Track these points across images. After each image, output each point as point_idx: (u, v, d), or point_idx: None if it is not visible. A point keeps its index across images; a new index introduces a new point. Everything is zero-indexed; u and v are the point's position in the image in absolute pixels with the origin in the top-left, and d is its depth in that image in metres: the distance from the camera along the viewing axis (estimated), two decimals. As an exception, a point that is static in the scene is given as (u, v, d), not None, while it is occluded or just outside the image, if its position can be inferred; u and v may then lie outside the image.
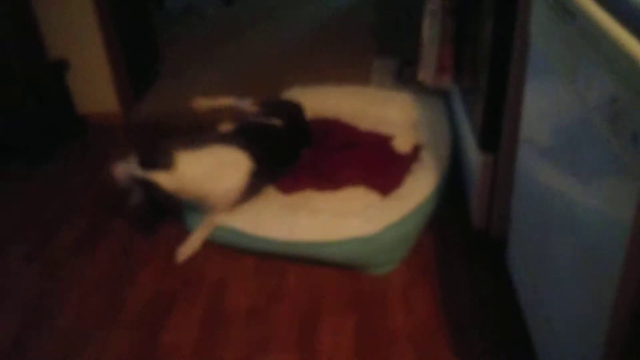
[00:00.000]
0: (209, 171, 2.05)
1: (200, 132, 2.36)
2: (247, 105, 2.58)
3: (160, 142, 2.04)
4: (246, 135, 2.27)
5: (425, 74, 2.50)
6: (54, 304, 1.98)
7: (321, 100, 2.79)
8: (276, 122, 2.42)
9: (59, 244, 2.26)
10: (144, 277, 2.08)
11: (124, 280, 2.08)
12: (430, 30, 2.41)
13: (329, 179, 2.27)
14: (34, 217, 2.43)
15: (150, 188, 1.94)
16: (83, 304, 1.99)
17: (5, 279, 2.12)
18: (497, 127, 1.86)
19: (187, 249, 2.14)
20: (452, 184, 2.32)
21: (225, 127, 2.51)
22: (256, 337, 1.82)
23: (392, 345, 1.75)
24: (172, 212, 2.21)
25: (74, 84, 3.03)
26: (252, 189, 2.17)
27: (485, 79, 1.85)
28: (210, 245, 2.18)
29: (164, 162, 1.96)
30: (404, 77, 3.06)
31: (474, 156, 2.02)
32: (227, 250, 2.15)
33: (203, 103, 2.66)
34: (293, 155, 2.43)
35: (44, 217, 2.42)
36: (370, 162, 2.35)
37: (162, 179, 1.94)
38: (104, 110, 3.15)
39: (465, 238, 2.14)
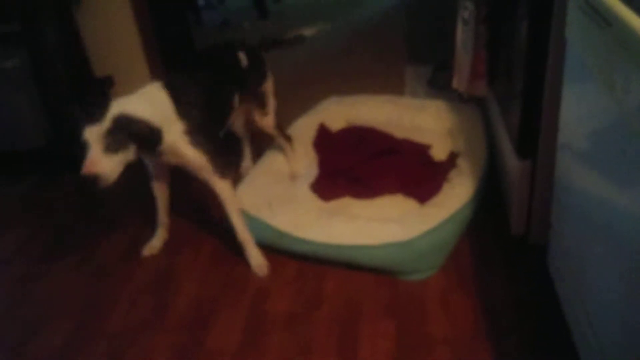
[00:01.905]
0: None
1: None
2: None
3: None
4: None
5: (460, 81, 2.52)
6: (103, 308, 2.05)
7: (357, 110, 2.84)
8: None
9: (108, 250, 2.35)
10: (188, 282, 2.15)
11: (169, 285, 2.14)
12: (463, 37, 2.42)
13: (366, 186, 2.30)
14: (85, 224, 2.53)
15: (133, 129, 1.78)
16: (130, 308, 2.06)
17: (57, 283, 2.22)
18: (534, 133, 1.85)
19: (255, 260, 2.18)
20: (490, 191, 2.32)
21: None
22: (297, 342, 1.85)
23: (432, 351, 1.76)
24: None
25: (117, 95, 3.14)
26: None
27: (521, 85, 1.85)
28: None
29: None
30: (438, 84, 3.08)
31: (512, 163, 2.02)
32: (269, 255, 2.20)
33: None
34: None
35: (94, 223, 2.52)
36: (408, 169, 2.37)
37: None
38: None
39: (503, 244, 2.14)
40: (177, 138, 1.94)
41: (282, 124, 2.57)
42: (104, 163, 1.72)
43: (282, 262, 2.18)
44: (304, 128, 2.75)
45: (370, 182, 2.32)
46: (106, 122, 1.73)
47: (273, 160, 2.56)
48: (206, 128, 2.04)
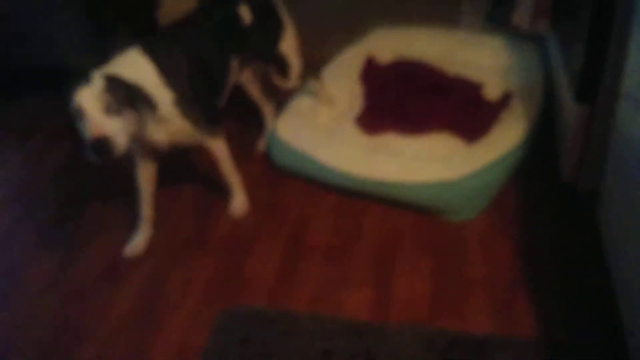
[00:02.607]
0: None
1: None
2: None
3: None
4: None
5: (521, 17, 2.39)
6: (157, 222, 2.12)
7: (407, 42, 2.73)
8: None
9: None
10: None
11: (212, 207, 2.19)
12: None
13: (413, 122, 2.25)
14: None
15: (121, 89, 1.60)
16: (175, 227, 2.12)
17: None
18: (596, 77, 1.76)
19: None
20: (542, 135, 2.24)
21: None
22: (334, 274, 1.88)
23: (467, 292, 1.77)
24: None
25: (163, 18, 3.10)
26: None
27: (587, 26, 1.74)
28: (294, 180, 2.24)
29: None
30: (497, 19, 2.92)
31: (569, 107, 1.94)
32: (310, 187, 2.21)
33: None
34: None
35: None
36: (457, 107, 2.30)
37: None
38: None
39: (552, 191, 2.08)
40: (167, 110, 1.77)
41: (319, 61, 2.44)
42: (110, 124, 1.55)
43: (322, 195, 2.19)
44: (350, 59, 2.67)
45: (417, 118, 2.26)
46: (99, 81, 1.55)
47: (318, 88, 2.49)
48: (198, 97, 1.86)
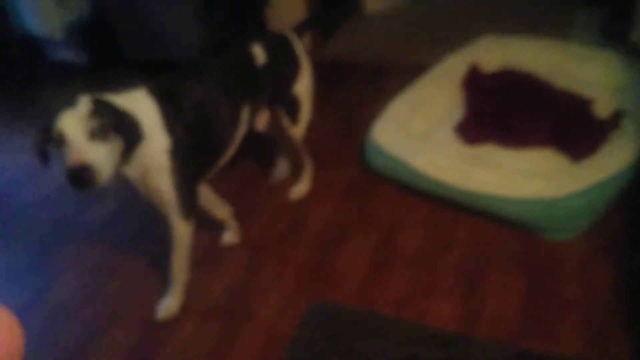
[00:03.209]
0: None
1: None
2: None
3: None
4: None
5: (641, 33, 2.26)
6: (246, 217, 2.21)
7: (514, 52, 2.66)
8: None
9: (251, 166, 2.50)
10: (322, 208, 2.24)
11: (306, 205, 2.25)
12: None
13: (515, 134, 2.19)
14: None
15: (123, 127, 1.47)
16: (270, 222, 2.20)
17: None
18: None
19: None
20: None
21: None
22: (422, 281, 1.88)
23: (562, 313, 1.71)
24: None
25: (271, 19, 3.22)
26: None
27: None
28: (387, 185, 2.26)
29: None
30: (612, 33, 2.78)
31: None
32: (403, 193, 2.22)
33: None
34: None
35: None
36: (564, 122, 2.21)
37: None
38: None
39: (660, 217, 1.97)
40: (156, 153, 1.57)
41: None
42: (94, 151, 1.38)
43: (415, 201, 2.19)
44: (454, 66, 2.64)
45: (520, 131, 2.20)
46: (85, 105, 1.41)
47: (416, 91, 2.48)
48: (193, 153, 1.64)
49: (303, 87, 1.98)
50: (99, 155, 1.39)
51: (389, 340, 1.69)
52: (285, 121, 2.01)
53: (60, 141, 1.39)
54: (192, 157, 1.63)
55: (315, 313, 1.79)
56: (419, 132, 2.33)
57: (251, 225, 2.17)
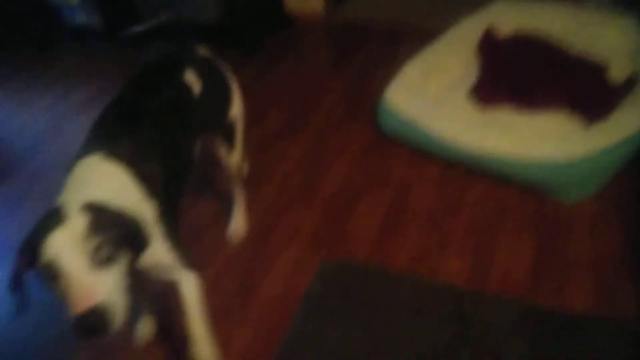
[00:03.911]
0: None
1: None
2: None
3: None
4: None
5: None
6: (261, 176, 2.25)
7: (529, 16, 2.64)
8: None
9: (267, 127, 2.53)
10: (336, 167, 2.27)
11: (318, 167, 2.28)
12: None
13: (529, 97, 2.20)
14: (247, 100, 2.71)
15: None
16: (283, 182, 2.24)
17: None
18: None
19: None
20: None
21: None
22: (433, 241, 1.92)
23: (571, 272, 1.75)
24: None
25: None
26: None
27: None
28: (400, 147, 2.29)
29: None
30: (630, -3, 2.75)
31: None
32: (415, 156, 2.25)
33: None
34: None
35: (254, 103, 2.68)
36: (578, 86, 2.22)
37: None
38: (308, 9, 3.31)
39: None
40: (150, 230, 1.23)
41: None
42: (102, 284, 1.04)
43: (427, 164, 2.21)
44: (468, 30, 2.63)
45: (534, 94, 2.21)
46: (79, 218, 1.05)
47: (431, 55, 2.48)
48: (170, 205, 1.38)
49: (237, 110, 1.76)
50: (110, 288, 1.05)
51: (401, 294, 1.74)
52: (224, 150, 1.78)
53: (51, 272, 1.03)
54: (170, 209, 1.37)
55: (328, 269, 1.84)
56: (433, 96, 2.34)
57: (264, 186, 2.21)
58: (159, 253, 1.30)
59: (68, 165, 1.28)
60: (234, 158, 1.83)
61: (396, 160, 2.26)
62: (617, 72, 2.28)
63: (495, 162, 2.02)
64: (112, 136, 1.33)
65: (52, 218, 1.06)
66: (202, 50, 1.70)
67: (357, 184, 2.18)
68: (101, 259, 1.05)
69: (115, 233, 1.08)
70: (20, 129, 2.77)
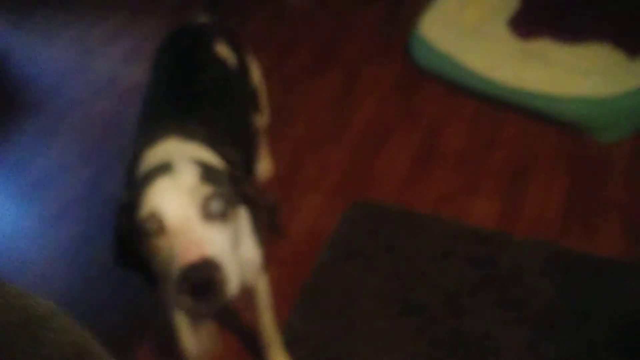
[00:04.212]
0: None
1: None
2: None
3: None
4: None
5: None
6: (288, 116, 2.22)
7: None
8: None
9: (293, 64, 2.47)
10: (365, 105, 2.21)
11: (349, 103, 2.23)
12: None
13: (572, 28, 2.07)
14: (274, 35, 2.64)
15: None
16: (311, 120, 2.20)
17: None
18: None
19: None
20: None
21: None
22: (463, 180, 1.89)
23: (604, 215, 1.71)
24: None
25: None
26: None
27: None
28: (433, 82, 2.21)
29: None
30: None
31: None
32: (449, 92, 2.17)
33: None
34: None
35: (280, 39, 2.62)
36: (622, 16, 2.07)
37: None
38: None
39: None
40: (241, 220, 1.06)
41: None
42: (215, 238, 0.89)
43: (461, 100, 2.14)
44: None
45: (577, 24, 2.07)
46: (189, 168, 0.93)
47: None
48: None
49: (257, 74, 1.68)
50: (222, 246, 0.89)
51: (428, 236, 1.73)
52: (254, 116, 1.66)
53: (153, 225, 0.88)
54: None
55: (356, 209, 1.84)
56: (470, 26, 2.22)
57: (292, 125, 2.18)
58: (247, 249, 1.15)
59: (128, 158, 1.16)
60: (262, 121, 1.79)
61: (428, 98, 2.18)
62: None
63: (533, 97, 1.94)
64: (177, 120, 1.18)
65: (157, 170, 0.94)
66: (204, 18, 1.58)
67: (387, 123, 2.13)
68: (213, 213, 0.90)
69: (228, 189, 0.95)
70: (45, 64, 2.77)
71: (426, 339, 1.51)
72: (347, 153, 2.04)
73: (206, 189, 0.90)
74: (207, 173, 0.94)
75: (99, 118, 2.40)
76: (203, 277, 0.82)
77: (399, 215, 1.80)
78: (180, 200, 0.89)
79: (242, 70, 1.52)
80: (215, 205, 0.90)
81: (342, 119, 2.18)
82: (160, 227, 0.88)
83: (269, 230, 1.09)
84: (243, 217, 1.07)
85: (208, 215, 0.89)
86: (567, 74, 1.89)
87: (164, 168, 0.93)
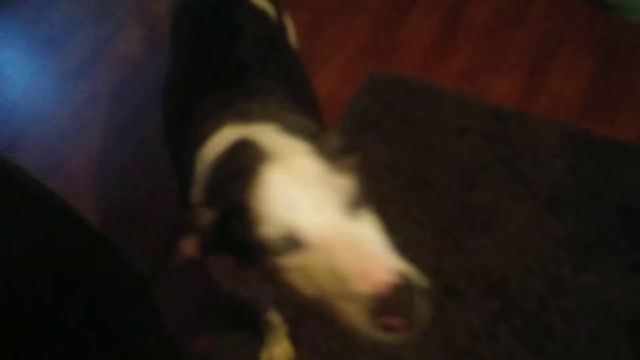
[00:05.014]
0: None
1: None
2: None
3: None
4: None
5: None
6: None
7: None
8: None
9: None
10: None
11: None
12: None
13: None
14: None
15: None
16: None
17: None
18: None
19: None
20: None
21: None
22: (487, 55, 1.84)
23: (625, 99, 1.69)
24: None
25: None
26: None
27: None
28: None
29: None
30: None
31: None
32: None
33: None
34: None
35: None
36: None
37: None
38: None
39: None
40: None
41: None
42: (379, 240, 0.66)
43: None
44: None
45: None
46: (298, 144, 0.68)
47: None
48: None
49: (293, 34, 1.34)
50: (390, 247, 0.65)
51: (445, 112, 1.72)
52: None
53: (284, 246, 0.64)
54: None
55: (374, 80, 1.81)
56: None
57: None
58: None
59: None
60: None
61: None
62: None
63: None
64: (235, 100, 0.88)
65: (246, 156, 0.66)
66: None
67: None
68: (355, 202, 0.65)
69: (353, 160, 0.67)
70: None
71: (435, 210, 1.55)
72: (370, 20, 1.97)
73: (336, 174, 0.64)
74: (327, 145, 0.67)
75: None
76: (405, 305, 0.60)
77: (418, 89, 1.77)
78: (314, 197, 0.63)
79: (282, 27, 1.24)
80: (357, 190, 0.65)
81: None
82: (293, 243, 0.63)
83: None
84: None
85: (352, 206, 0.65)
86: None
87: (255, 152, 0.65)
